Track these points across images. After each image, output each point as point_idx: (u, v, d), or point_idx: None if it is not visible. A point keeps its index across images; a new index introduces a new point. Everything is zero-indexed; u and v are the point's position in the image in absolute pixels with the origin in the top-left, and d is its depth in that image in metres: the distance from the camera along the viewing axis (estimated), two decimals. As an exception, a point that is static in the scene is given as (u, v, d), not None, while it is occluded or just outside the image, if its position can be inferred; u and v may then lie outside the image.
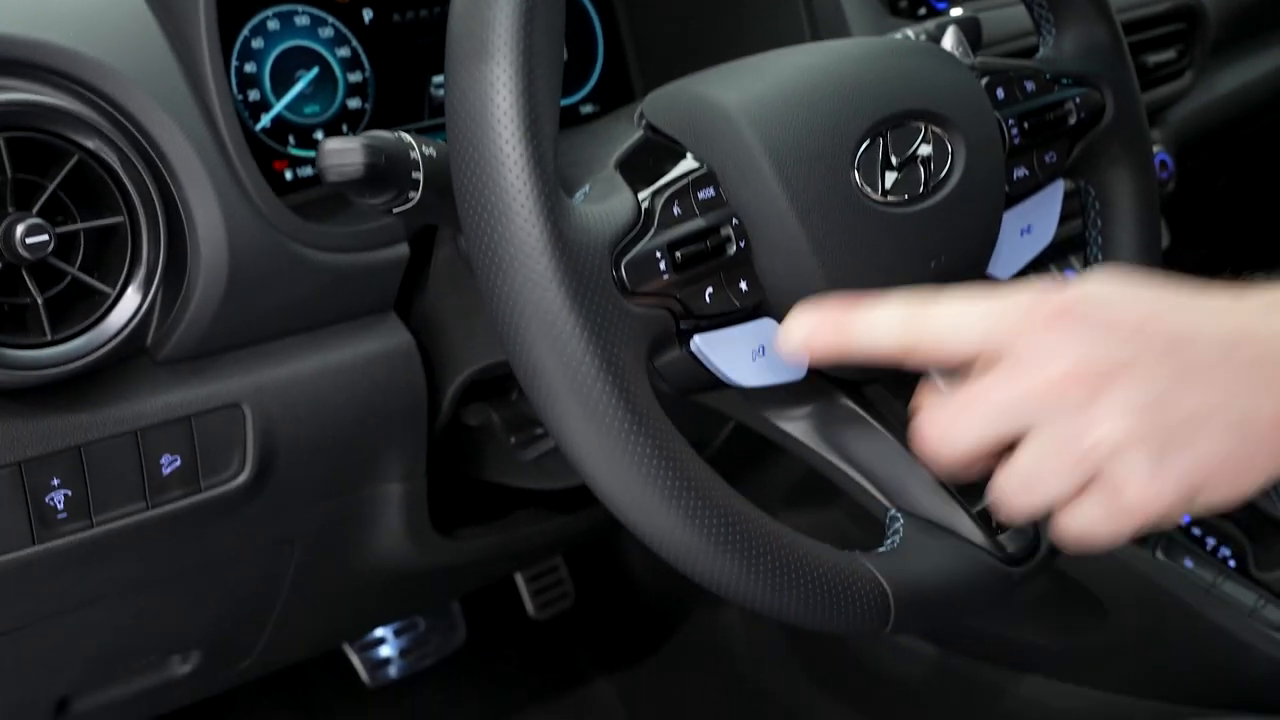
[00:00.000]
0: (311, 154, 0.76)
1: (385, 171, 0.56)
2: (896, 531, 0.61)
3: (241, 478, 0.69)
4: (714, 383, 0.58)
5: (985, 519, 0.63)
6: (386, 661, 1.33)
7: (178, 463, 0.67)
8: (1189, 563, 1.01)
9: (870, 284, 0.60)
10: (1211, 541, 1.03)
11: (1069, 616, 1.05)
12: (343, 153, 0.55)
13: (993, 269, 0.68)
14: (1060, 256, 1.09)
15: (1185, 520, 1.04)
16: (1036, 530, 0.64)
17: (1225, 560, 1.01)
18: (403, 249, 0.73)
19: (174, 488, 0.67)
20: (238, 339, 0.68)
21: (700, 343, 0.56)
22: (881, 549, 0.60)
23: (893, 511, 0.62)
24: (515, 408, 0.82)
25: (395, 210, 0.58)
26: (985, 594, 0.62)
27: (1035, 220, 0.69)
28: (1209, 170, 1.41)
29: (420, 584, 0.90)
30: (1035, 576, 0.64)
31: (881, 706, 1.23)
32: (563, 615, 1.47)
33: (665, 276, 0.54)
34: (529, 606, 1.45)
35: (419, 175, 0.57)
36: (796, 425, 0.65)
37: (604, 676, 1.47)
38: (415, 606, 1.17)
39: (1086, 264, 0.73)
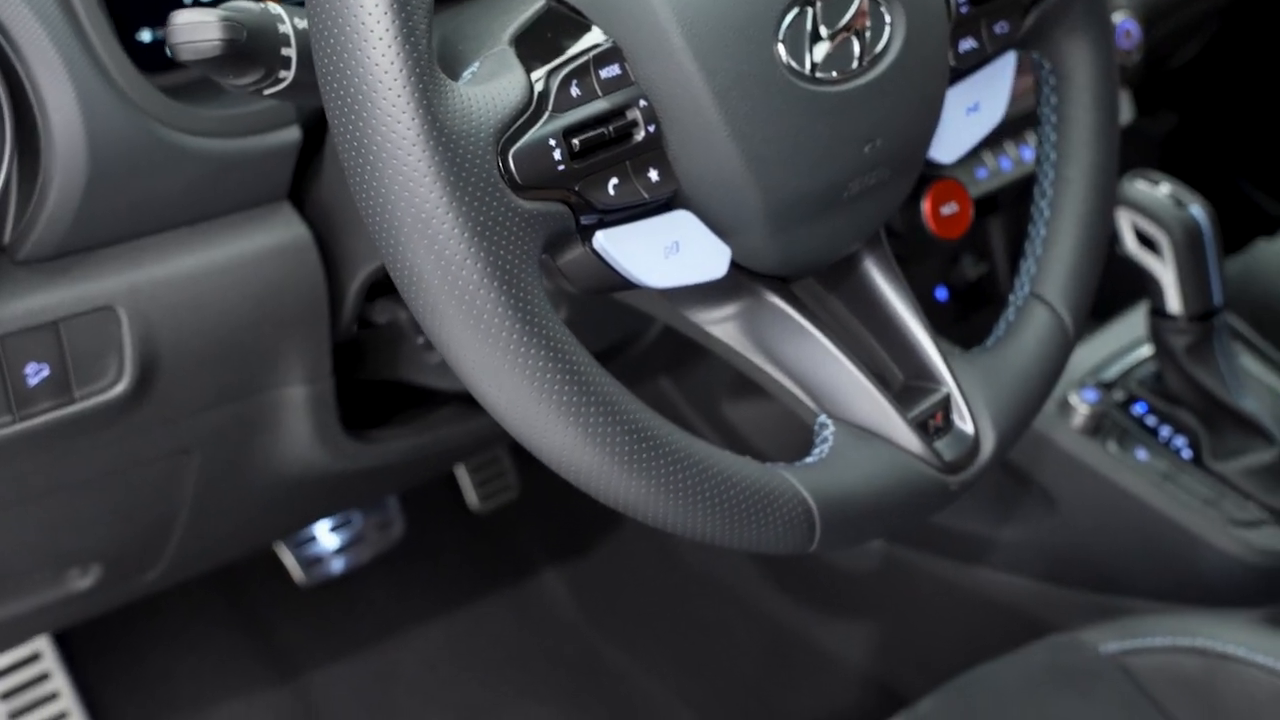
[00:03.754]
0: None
1: (248, 48, 0.49)
2: (825, 439, 0.57)
3: (120, 386, 0.64)
4: (623, 283, 0.53)
5: (921, 425, 0.58)
6: (323, 559, 1.30)
7: (45, 372, 0.61)
8: (1142, 454, 0.97)
9: (798, 171, 0.54)
10: (1166, 432, 0.99)
11: (1020, 510, 1.02)
12: (196, 27, 0.48)
13: (935, 152, 0.62)
14: (1013, 135, 1.03)
15: (1139, 408, 1.00)
16: (976, 435, 0.60)
17: (1179, 452, 0.98)
18: (294, 133, 0.66)
19: (43, 399, 0.62)
20: (108, 235, 0.62)
21: (604, 240, 0.50)
22: (809, 459, 0.56)
23: (822, 418, 0.58)
24: None
25: (266, 92, 0.52)
26: (919, 506, 0.57)
27: (984, 97, 0.63)
28: (1178, 38, 1.35)
29: (339, 487, 0.86)
30: (972, 485, 0.59)
31: (828, 595, 1.21)
32: (506, 507, 1.44)
33: (560, 167, 0.48)
34: (471, 499, 1.41)
35: (290, 52, 0.50)
36: (719, 325, 0.59)
37: (550, 567, 1.45)
38: (334, 508, 1.13)
39: (1041, 144, 0.67)
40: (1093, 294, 0.65)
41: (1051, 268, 0.65)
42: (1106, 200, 0.66)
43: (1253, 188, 1.59)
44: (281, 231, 0.68)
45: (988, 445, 0.60)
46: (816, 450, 0.56)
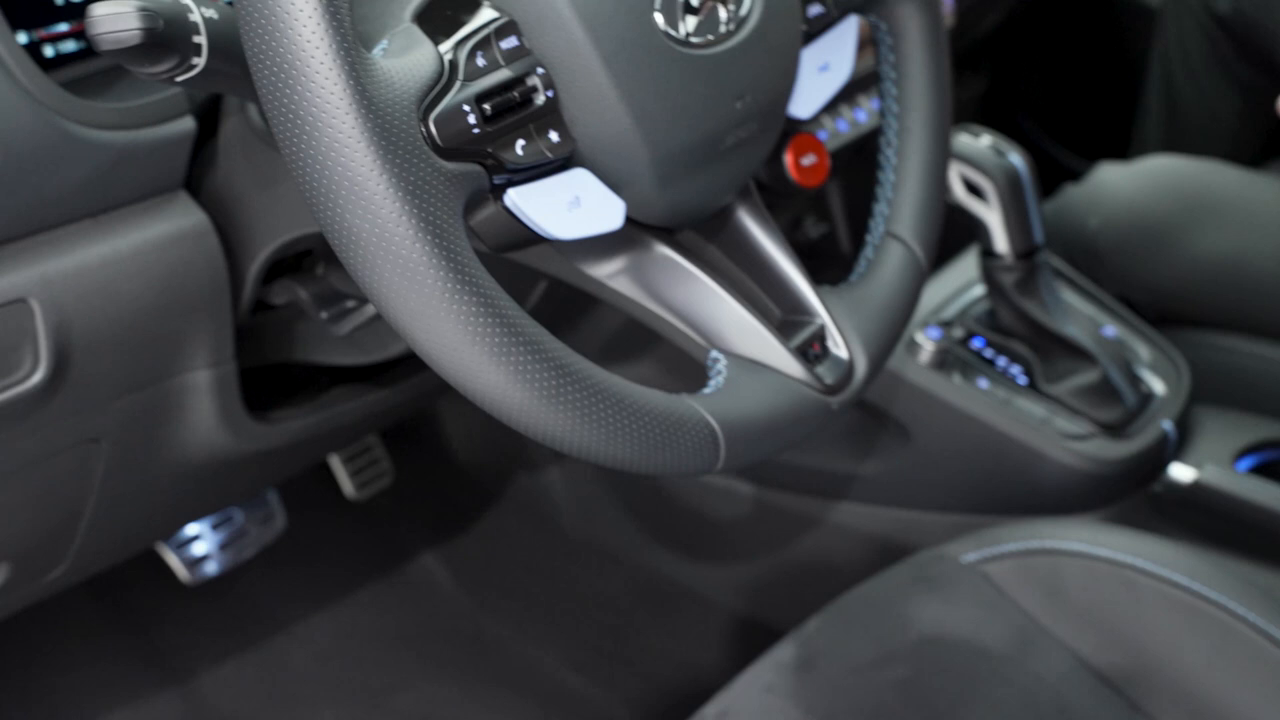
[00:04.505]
0: (70, 26, 0.71)
1: (164, 37, 0.52)
2: (719, 372, 0.62)
3: (36, 378, 0.65)
4: (531, 238, 0.58)
5: (802, 353, 0.65)
6: (205, 558, 1.30)
7: (-39, 367, 0.63)
8: (983, 383, 1.06)
9: (679, 127, 0.59)
10: (1003, 362, 1.09)
11: (878, 443, 1.10)
12: (115, 18, 0.51)
13: (793, 109, 0.68)
14: (847, 100, 1.11)
15: (977, 343, 1.09)
16: (850, 360, 0.66)
17: (1015, 379, 1.08)
18: (188, 123, 0.69)
19: (-40, 393, 0.63)
20: (16, 229, 0.64)
21: (515, 197, 0.55)
22: (706, 390, 0.61)
23: (714, 353, 0.63)
24: (323, 282, 0.80)
25: (178, 79, 0.55)
26: (808, 423, 0.64)
27: (832, 57, 0.70)
28: (984, 6, 1.46)
29: (239, 472, 0.88)
30: (851, 404, 0.66)
31: (702, 543, 1.28)
32: (383, 494, 1.46)
33: (475, 130, 0.53)
34: (347, 488, 1.43)
35: (200, 39, 0.54)
36: (614, 276, 0.65)
37: (429, 550, 1.48)
38: (234, 496, 1.14)
39: (884, 99, 0.74)
40: (939, 229, 0.73)
41: (902, 208, 0.72)
42: (944, 145, 0.74)
43: (1052, 143, 1.73)
44: (181, 219, 0.70)
45: (861, 368, 0.66)
46: (712, 382, 0.62)
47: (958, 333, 1.10)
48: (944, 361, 1.06)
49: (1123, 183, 1.23)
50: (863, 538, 1.12)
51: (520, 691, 1.39)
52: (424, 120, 0.51)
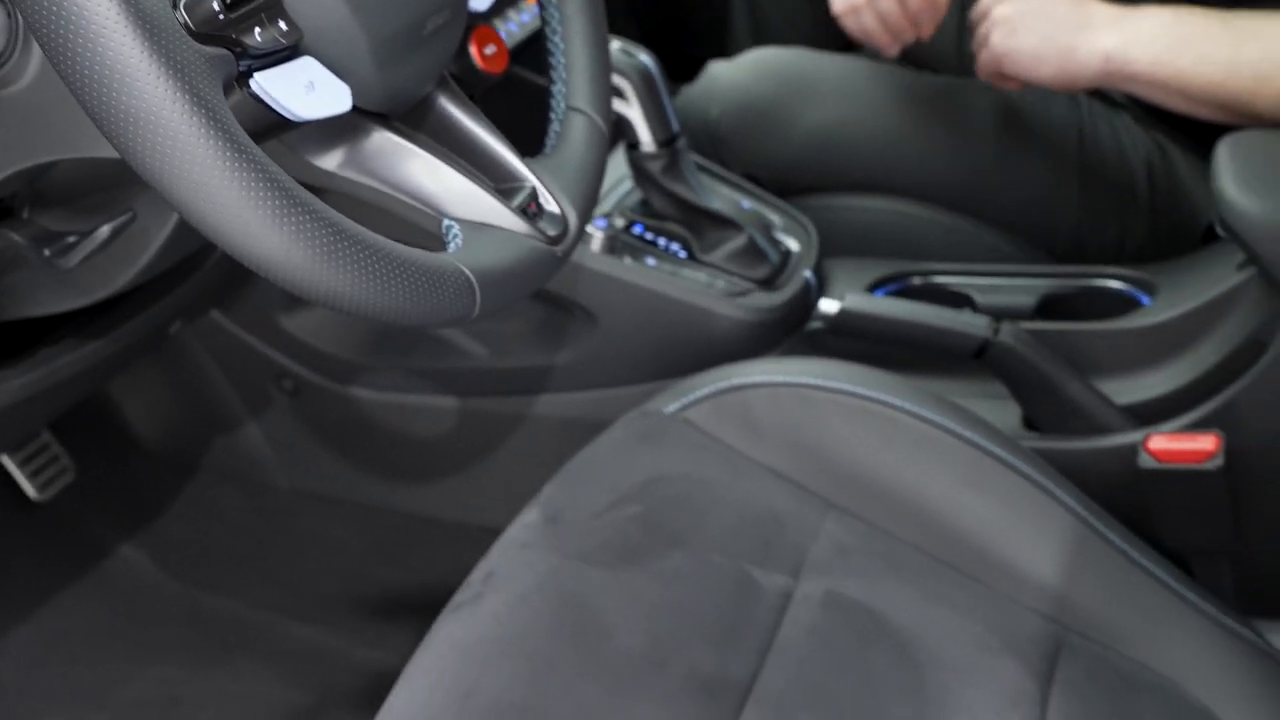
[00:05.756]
0: None
1: None
2: (455, 235, 0.69)
3: None
4: (275, 124, 0.62)
5: (523, 212, 0.72)
6: (-112, 584, 1.23)
7: None
8: (651, 262, 1.18)
9: (389, 13, 0.65)
10: (663, 242, 1.21)
11: (568, 333, 1.19)
12: None
13: (472, 4, 0.76)
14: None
15: (638, 229, 1.21)
16: (563, 214, 0.75)
17: (677, 254, 1.20)
18: None
19: None
20: None
21: (260, 80, 0.60)
22: (449, 252, 0.68)
23: (446, 221, 0.70)
24: (33, 225, 0.79)
25: None
26: (542, 270, 0.72)
27: None
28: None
29: None
30: (571, 251, 0.75)
31: (416, 466, 1.32)
32: (67, 491, 1.42)
33: (220, 17, 0.57)
34: (28, 489, 1.38)
35: None
36: (346, 167, 0.70)
37: (126, 540, 1.45)
38: None
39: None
40: (609, 97, 0.83)
41: (576, 83, 0.81)
42: (601, 24, 0.83)
43: (663, 45, 1.85)
44: None
45: (573, 220, 0.75)
46: (451, 245, 0.69)
47: (619, 222, 1.21)
48: (613, 248, 1.17)
49: (733, 74, 1.38)
50: (568, 422, 1.22)
51: (254, 656, 1.39)
52: (175, 8, 0.55)
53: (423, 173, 0.70)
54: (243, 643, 1.40)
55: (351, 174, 0.70)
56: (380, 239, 0.61)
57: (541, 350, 1.21)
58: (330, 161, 0.70)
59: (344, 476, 1.35)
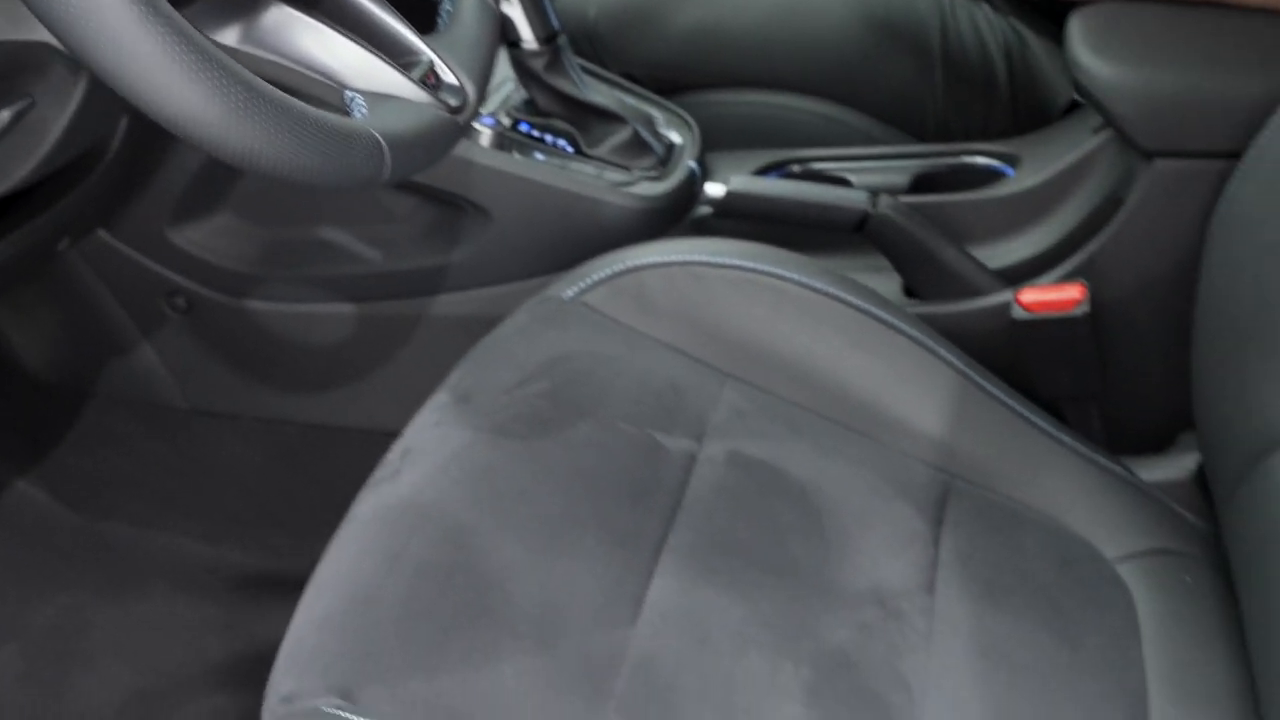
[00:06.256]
0: None
1: None
2: (360, 105, 0.71)
3: None
4: None
5: (424, 83, 0.74)
6: None
7: None
8: (540, 157, 1.20)
9: None
10: (549, 138, 1.23)
11: (462, 231, 1.21)
12: None
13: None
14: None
15: (524, 127, 1.23)
16: (461, 84, 0.77)
17: (565, 149, 1.22)
18: None
19: None
20: None
21: None
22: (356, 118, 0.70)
23: (349, 92, 0.72)
24: None
25: None
26: (445, 139, 0.74)
27: None
28: None
29: None
30: (472, 119, 0.77)
31: (319, 376, 1.33)
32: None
33: None
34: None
35: None
36: (245, 39, 0.71)
37: (22, 474, 1.43)
38: None
39: None
40: None
41: None
42: None
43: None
44: None
45: (471, 91, 0.77)
46: (356, 115, 0.71)
47: (506, 120, 1.23)
48: (502, 144, 1.19)
49: (607, -25, 1.40)
50: (467, 320, 1.24)
51: (164, 579, 1.39)
52: None
53: (323, 46, 0.72)
54: (153, 568, 1.40)
55: (251, 49, 0.71)
56: (293, 99, 0.63)
57: (436, 250, 1.23)
58: (230, 37, 0.71)
59: (243, 392, 1.35)
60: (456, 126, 0.75)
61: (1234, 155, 0.96)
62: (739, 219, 1.20)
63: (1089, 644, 0.87)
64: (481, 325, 1.08)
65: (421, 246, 1.23)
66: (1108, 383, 1.14)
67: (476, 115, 0.77)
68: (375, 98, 0.72)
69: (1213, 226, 0.96)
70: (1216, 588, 0.94)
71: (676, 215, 1.22)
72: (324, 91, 0.73)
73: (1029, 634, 0.87)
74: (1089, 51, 1.06)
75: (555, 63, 1.21)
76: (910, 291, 1.20)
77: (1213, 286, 0.97)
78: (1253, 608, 0.85)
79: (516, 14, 1.18)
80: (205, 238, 1.25)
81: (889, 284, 1.20)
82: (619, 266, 1.06)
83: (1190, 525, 1.00)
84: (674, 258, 1.06)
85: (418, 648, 0.75)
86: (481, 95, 0.78)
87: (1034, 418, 1.02)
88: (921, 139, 1.36)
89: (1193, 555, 0.97)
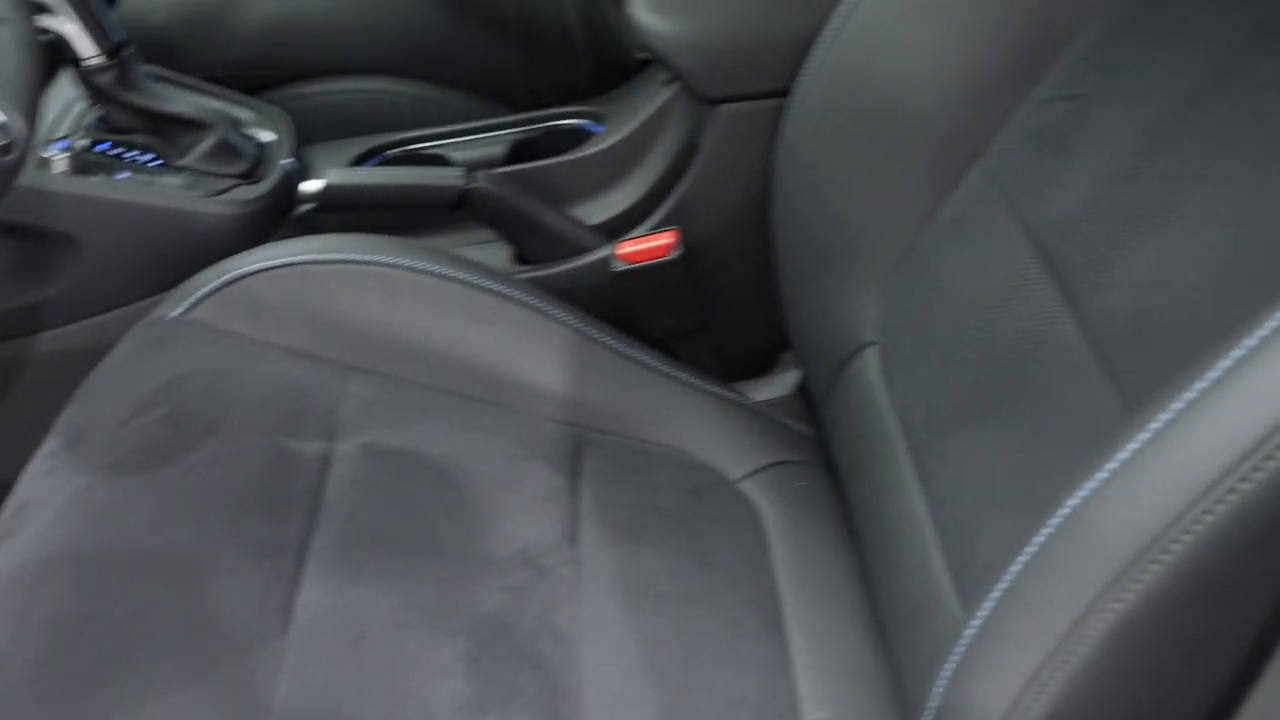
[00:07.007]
0: None
1: None
2: None
3: None
4: None
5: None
6: None
7: None
8: (124, 176, 1.16)
9: None
10: (133, 155, 1.18)
11: (50, 265, 1.15)
12: None
13: None
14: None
15: (103, 146, 1.18)
16: (9, 122, 0.74)
17: (150, 164, 1.18)
18: None
19: None
20: None
21: None
22: None
23: None
24: None
25: None
26: (1, 178, 0.71)
27: None
28: None
29: None
30: (25, 155, 0.74)
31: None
32: None
33: None
34: None
35: None
36: None
37: None
38: None
39: None
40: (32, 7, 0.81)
41: None
42: None
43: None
44: None
45: (18, 123, 0.74)
46: None
47: (82, 142, 1.17)
48: (83, 168, 1.14)
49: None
50: (74, 355, 1.17)
51: None
52: None
53: None
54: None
55: None
56: None
57: (25, 288, 1.16)
58: None
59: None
60: (7, 168, 0.72)
61: (784, 94, 1.04)
62: (343, 211, 1.20)
63: (723, 561, 0.94)
64: (91, 359, 1.04)
65: (8, 286, 1.16)
66: (711, 317, 1.22)
67: (31, 146, 0.74)
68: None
69: (776, 160, 1.05)
70: (830, 487, 1.03)
71: (278, 216, 1.20)
72: None
73: (670, 564, 0.93)
74: (645, 8, 1.12)
75: (125, 76, 1.16)
76: (521, 259, 1.23)
77: (785, 215, 1.05)
78: (855, 497, 0.95)
79: (73, 29, 1.12)
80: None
81: (498, 254, 1.23)
82: (225, 277, 1.04)
83: (799, 435, 1.10)
84: (281, 260, 1.05)
85: (55, 708, 0.73)
86: (32, 125, 0.75)
87: (650, 360, 1.08)
88: (516, 108, 1.40)
89: (805, 462, 1.06)
